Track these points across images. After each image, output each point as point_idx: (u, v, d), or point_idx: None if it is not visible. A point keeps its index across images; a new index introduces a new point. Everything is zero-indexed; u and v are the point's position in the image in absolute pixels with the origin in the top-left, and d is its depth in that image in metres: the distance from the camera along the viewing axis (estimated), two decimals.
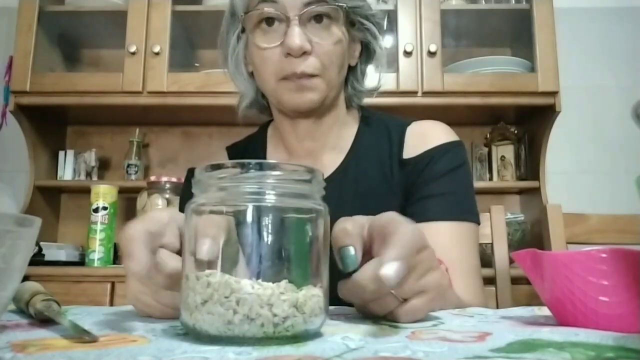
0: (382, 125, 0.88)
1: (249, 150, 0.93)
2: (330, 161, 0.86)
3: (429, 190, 0.80)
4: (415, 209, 0.79)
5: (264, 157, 0.90)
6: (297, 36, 0.72)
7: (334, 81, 0.78)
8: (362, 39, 0.83)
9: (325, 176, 0.82)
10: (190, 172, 0.92)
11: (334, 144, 0.86)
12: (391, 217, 0.44)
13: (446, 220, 0.77)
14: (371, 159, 0.85)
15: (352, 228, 0.43)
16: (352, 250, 0.41)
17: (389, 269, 0.36)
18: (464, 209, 0.80)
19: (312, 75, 0.75)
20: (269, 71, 0.76)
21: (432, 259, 0.45)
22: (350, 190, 0.83)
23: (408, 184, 0.81)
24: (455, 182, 0.81)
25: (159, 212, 0.47)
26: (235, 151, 0.94)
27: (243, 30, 0.81)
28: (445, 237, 0.77)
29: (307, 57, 0.74)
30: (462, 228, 0.78)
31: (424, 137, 0.84)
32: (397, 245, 0.39)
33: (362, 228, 0.44)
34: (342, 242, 0.42)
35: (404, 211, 0.80)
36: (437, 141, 0.83)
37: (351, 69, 0.85)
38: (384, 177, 0.83)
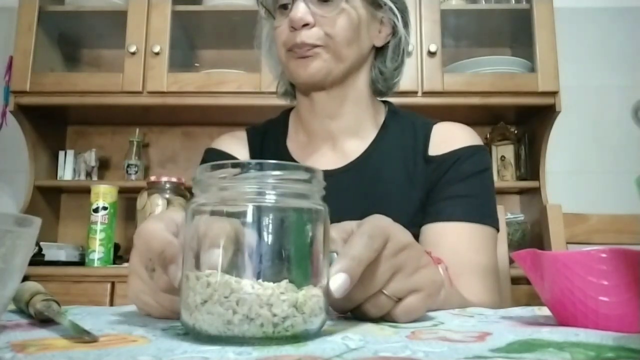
0: (408, 120, 0.88)
1: (269, 133, 0.93)
2: (352, 148, 0.86)
3: (454, 190, 0.80)
4: (438, 207, 0.80)
5: (284, 141, 0.90)
6: (298, 10, 0.76)
7: (343, 53, 0.78)
8: (390, 20, 0.84)
9: (346, 163, 0.85)
10: (207, 153, 0.93)
11: (354, 128, 0.86)
12: (367, 218, 0.44)
13: (468, 222, 0.78)
14: (395, 151, 0.85)
15: (336, 234, 0.44)
16: (334, 257, 0.41)
17: (333, 283, 0.38)
18: (486, 213, 0.80)
19: (315, 46, 0.77)
20: (279, 45, 0.80)
21: (419, 256, 0.45)
22: (369, 180, 0.83)
23: (432, 181, 0.82)
24: (479, 185, 0.81)
25: (172, 213, 0.47)
26: (255, 134, 0.94)
27: None
28: (465, 237, 0.77)
29: (309, 29, 0.77)
30: (483, 231, 0.79)
31: (451, 136, 0.85)
32: (350, 249, 0.40)
33: (348, 233, 0.44)
34: None
35: (424, 207, 0.80)
36: (464, 142, 0.83)
37: (378, 52, 0.86)
38: (407, 170, 0.83)
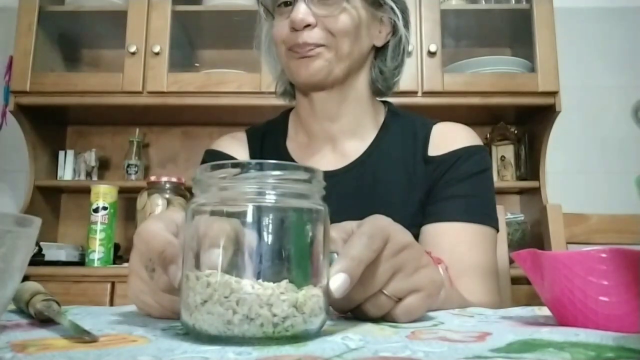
0: (408, 121, 0.88)
1: (269, 134, 0.93)
2: (352, 149, 0.86)
3: (453, 190, 0.80)
4: (438, 207, 0.79)
5: (284, 142, 0.90)
6: (299, 11, 0.75)
7: (345, 51, 0.78)
8: (390, 19, 0.83)
9: (346, 164, 0.84)
10: (207, 155, 0.93)
11: (354, 129, 0.86)
12: (367, 218, 0.44)
13: (468, 222, 0.78)
14: (395, 151, 0.85)
15: (336, 234, 0.44)
16: (334, 257, 0.41)
17: (333, 283, 0.38)
18: (485, 213, 0.80)
19: (317, 45, 0.76)
20: (278, 43, 0.80)
21: (419, 256, 0.45)
22: (369, 181, 0.83)
23: (431, 182, 0.82)
24: (479, 185, 0.81)
25: (172, 213, 0.47)
26: (255, 135, 0.93)
27: None
28: (465, 238, 0.77)
29: (311, 29, 0.76)
30: (482, 231, 0.78)
31: (451, 137, 0.84)
32: (350, 249, 0.40)
33: (347, 233, 0.44)
34: None
35: (424, 207, 0.80)
36: (464, 143, 0.83)
37: (378, 51, 0.86)
38: (406, 171, 0.83)
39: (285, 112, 0.95)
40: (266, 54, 0.90)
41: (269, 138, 0.92)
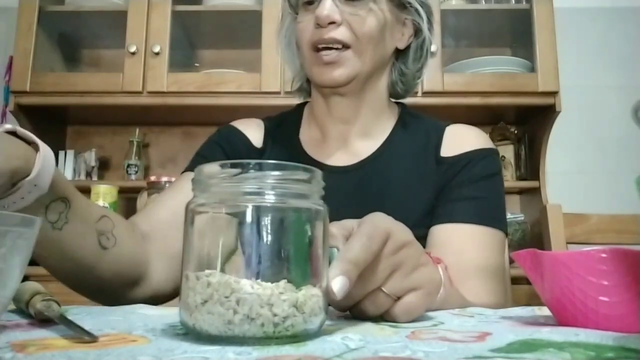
0: (420, 122, 0.88)
1: (283, 125, 0.92)
2: (364, 148, 0.85)
3: (464, 192, 0.79)
4: (447, 208, 0.79)
5: (297, 135, 0.89)
6: (325, 7, 0.74)
7: (369, 55, 0.77)
8: (413, 21, 0.83)
9: (356, 161, 0.84)
10: (223, 129, 0.93)
11: (368, 130, 0.85)
12: (366, 217, 0.44)
13: (477, 224, 0.77)
14: (406, 151, 0.84)
15: (337, 230, 0.44)
16: (335, 253, 0.41)
17: (334, 285, 0.38)
18: (495, 216, 0.79)
19: (343, 45, 0.76)
20: (304, 41, 0.79)
21: (418, 255, 0.45)
22: (380, 179, 0.82)
23: (442, 182, 0.81)
24: (490, 188, 0.81)
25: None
26: (270, 124, 0.93)
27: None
28: (474, 239, 0.76)
29: (336, 27, 0.75)
30: (491, 234, 0.78)
31: (464, 139, 0.84)
32: (348, 251, 0.40)
33: (348, 230, 0.44)
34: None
35: (433, 208, 0.80)
36: (477, 145, 0.83)
37: (400, 54, 0.85)
38: (417, 171, 0.83)
39: (300, 105, 0.95)
40: (286, 49, 0.89)
41: (283, 129, 0.91)
